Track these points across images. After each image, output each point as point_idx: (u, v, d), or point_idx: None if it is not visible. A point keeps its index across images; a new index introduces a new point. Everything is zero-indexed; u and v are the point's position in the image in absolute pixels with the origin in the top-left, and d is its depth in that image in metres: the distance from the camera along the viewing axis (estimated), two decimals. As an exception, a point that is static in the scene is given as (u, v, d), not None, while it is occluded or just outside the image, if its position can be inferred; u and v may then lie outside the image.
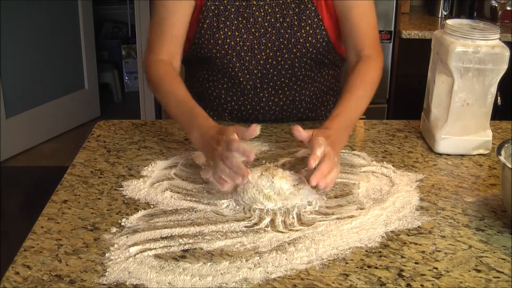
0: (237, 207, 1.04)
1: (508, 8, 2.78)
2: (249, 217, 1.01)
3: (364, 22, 1.34)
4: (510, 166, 0.96)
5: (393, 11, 2.66)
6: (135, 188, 1.11)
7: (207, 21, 1.33)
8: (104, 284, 0.83)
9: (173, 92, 1.26)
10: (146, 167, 1.20)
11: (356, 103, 1.25)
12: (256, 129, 1.04)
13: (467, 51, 1.21)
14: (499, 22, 2.73)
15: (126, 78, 4.71)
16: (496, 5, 2.78)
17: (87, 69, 4.00)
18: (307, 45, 1.35)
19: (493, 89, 1.25)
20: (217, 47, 1.34)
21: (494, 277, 0.87)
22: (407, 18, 2.99)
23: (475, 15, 2.96)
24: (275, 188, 1.04)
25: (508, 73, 1.24)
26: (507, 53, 1.21)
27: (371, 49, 1.34)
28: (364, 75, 1.30)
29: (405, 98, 2.77)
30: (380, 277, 0.86)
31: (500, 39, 1.24)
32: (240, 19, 1.33)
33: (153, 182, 1.14)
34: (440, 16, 3.03)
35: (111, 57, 4.71)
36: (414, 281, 0.85)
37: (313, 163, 1.01)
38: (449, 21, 1.28)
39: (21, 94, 3.53)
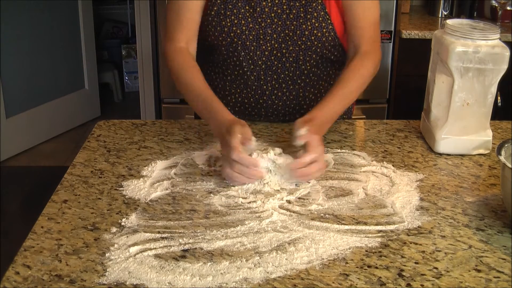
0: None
1: (508, 8, 2.77)
2: (254, 201, 1.06)
3: (365, 20, 1.37)
4: (510, 166, 0.96)
5: (393, 11, 2.66)
6: (135, 188, 1.11)
7: (215, 8, 1.35)
8: (104, 284, 0.83)
9: (192, 84, 1.32)
10: (146, 167, 1.20)
11: (344, 96, 1.31)
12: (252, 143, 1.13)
13: (467, 51, 1.21)
14: (499, 22, 2.73)
15: (126, 78, 4.71)
16: (496, 5, 2.77)
17: (87, 69, 4.00)
18: (312, 38, 1.36)
19: (493, 89, 1.25)
20: (223, 35, 1.36)
21: (494, 277, 0.87)
22: (407, 18, 2.99)
23: (475, 15, 2.96)
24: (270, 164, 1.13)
25: (508, 73, 1.24)
26: (507, 53, 1.21)
27: (368, 46, 1.37)
28: (356, 71, 1.34)
29: (405, 98, 2.76)
30: (380, 277, 0.86)
31: (500, 39, 1.24)
32: (247, 7, 1.35)
33: (153, 182, 1.14)
34: (440, 16, 3.03)
35: (111, 57, 4.71)
36: (414, 281, 0.85)
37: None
38: (449, 21, 1.28)
39: (21, 94, 3.53)
